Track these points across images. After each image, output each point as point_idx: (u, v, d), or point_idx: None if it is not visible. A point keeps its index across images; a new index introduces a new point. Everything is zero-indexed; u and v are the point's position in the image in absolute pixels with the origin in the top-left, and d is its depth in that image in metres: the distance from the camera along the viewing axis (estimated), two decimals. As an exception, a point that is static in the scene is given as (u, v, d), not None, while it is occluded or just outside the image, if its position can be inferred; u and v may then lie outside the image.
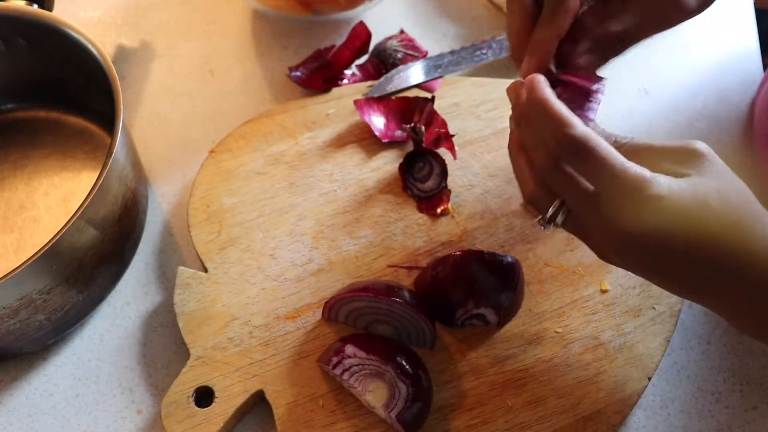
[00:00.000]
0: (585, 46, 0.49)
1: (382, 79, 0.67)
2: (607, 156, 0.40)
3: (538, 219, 0.45)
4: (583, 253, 0.57)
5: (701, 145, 0.43)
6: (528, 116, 0.44)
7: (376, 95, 0.65)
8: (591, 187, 0.41)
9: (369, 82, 0.67)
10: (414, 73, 0.67)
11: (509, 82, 0.67)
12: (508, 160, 0.62)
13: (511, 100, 0.47)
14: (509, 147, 0.48)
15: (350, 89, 0.67)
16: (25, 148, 0.65)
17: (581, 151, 0.40)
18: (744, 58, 0.72)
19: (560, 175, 0.42)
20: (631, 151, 0.44)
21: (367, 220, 0.59)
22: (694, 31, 0.74)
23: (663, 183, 0.39)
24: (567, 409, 0.51)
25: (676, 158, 0.42)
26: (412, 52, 0.72)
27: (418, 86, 0.67)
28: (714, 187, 0.40)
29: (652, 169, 0.40)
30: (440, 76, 0.68)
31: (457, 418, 0.50)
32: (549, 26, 0.47)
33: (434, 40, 0.74)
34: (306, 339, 0.54)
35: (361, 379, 0.49)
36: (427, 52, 0.72)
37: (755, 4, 0.76)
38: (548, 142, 0.42)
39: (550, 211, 0.44)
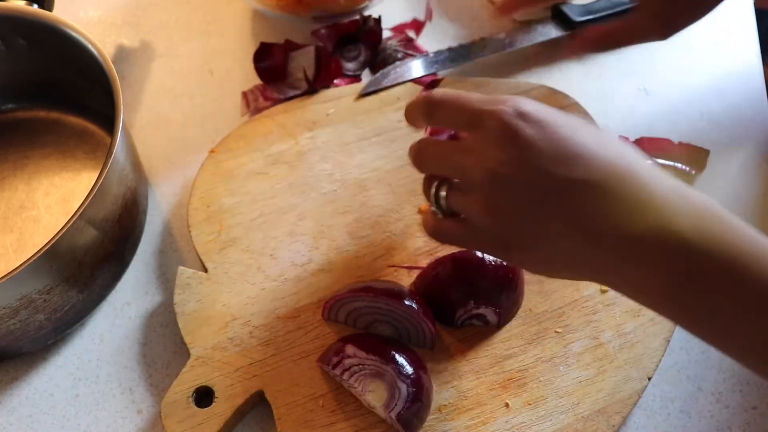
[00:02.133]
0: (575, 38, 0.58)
1: (378, 74, 0.67)
2: (465, 97, 0.44)
3: (432, 209, 0.47)
4: (583, 253, 0.57)
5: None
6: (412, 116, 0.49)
7: (371, 89, 0.66)
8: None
9: (367, 81, 0.67)
10: (411, 68, 0.68)
11: (509, 81, 0.67)
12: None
13: (413, 153, 0.49)
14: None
15: (350, 89, 0.67)
16: (25, 148, 0.65)
17: (444, 103, 0.45)
18: (744, 58, 0.72)
19: (431, 146, 0.46)
20: None
21: (367, 220, 0.59)
22: (694, 31, 0.74)
23: (511, 100, 0.42)
24: (567, 409, 0.51)
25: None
26: (412, 51, 0.72)
27: (414, 81, 0.68)
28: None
29: None
30: (435, 72, 0.68)
31: (457, 418, 0.50)
32: None
33: (434, 40, 0.74)
34: (306, 339, 0.54)
35: (361, 379, 0.49)
36: (427, 53, 0.72)
37: (755, 4, 0.76)
38: (422, 117, 0.47)
39: (433, 189, 0.46)
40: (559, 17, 0.72)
